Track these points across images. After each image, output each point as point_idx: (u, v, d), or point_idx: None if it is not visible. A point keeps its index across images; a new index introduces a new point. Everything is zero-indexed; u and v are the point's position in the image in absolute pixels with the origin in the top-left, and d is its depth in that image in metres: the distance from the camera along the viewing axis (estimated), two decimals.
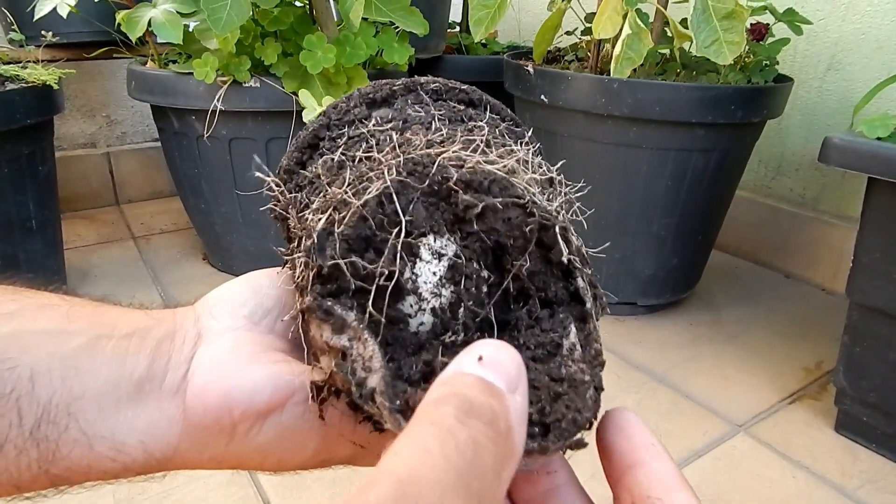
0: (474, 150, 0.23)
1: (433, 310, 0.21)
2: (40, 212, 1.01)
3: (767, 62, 1.03)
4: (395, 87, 0.29)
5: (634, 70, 0.92)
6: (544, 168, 0.27)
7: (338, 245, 0.20)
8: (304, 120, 0.81)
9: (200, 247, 1.33)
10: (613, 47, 0.91)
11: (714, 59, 0.83)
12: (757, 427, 0.85)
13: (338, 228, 0.20)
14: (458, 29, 1.65)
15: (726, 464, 0.78)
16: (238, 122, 1.04)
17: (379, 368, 0.18)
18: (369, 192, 0.20)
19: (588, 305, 0.22)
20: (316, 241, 0.20)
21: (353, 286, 0.20)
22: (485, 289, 0.22)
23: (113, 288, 1.17)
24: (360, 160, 0.24)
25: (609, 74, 0.91)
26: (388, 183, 0.20)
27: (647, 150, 0.94)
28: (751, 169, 1.36)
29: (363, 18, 0.97)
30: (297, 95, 1.00)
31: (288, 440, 0.24)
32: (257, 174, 0.29)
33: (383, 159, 0.23)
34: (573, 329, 0.22)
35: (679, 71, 1.02)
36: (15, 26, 1.06)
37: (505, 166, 0.22)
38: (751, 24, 0.98)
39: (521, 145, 0.27)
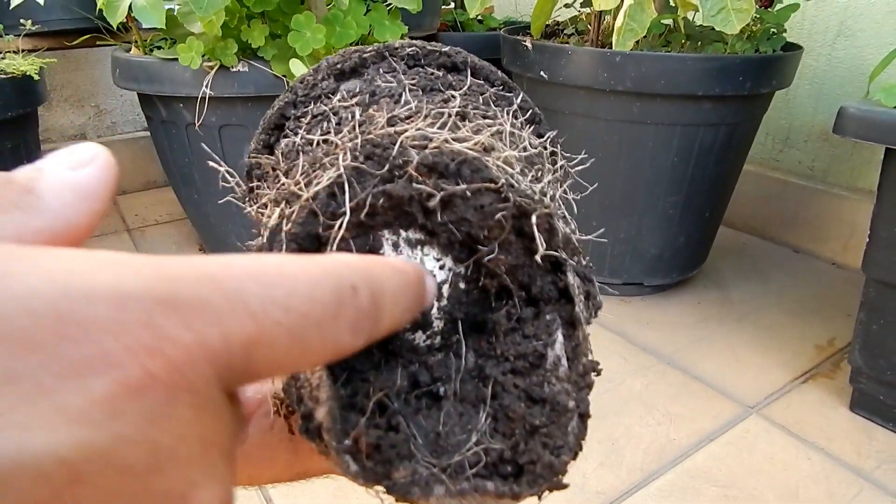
0: (443, 126, 0.19)
1: None
2: None
3: (775, 30, 0.99)
4: (365, 55, 0.26)
5: (637, 42, 0.89)
6: (534, 140, 0.24)
7: (284, 246, 0.17)
8: None
9: (196, 237, 1.30)
10: (615, 19, 0.87)
11: (721, 27, 0.79)
12: (769, 408, 0.83)
13: (286, 226, 0.17)
14: (452, 5, 1.60)
15: (739, 447, 0.76)
16: (228, 109, 1.00)
17: (326, 400, 0.16)
18: (320, 183, 0.18)
19: (577, 308, 0.19)
20: (265, 241, 0.18)
21: None
22: (462, 286, 0.19)
23: None
24: (318, 143, 0.21)
25: (610, 48, 0.87)
26: (342, 170, 0.18)
27: (651, 125, 0.91)
28: (758, 142, 1.32)
29: None
30: (288, 79, 0.96)
31: (255, 455, 0.22)
32: (210, 163, 0.26)
33: (340, 142, 0.20)
34: (559, 336, 0.18)
35: (684, 42, 0.98)
36: None
37: (478, 143, 0.19)
38: None
39: (507, 115, 0.24)
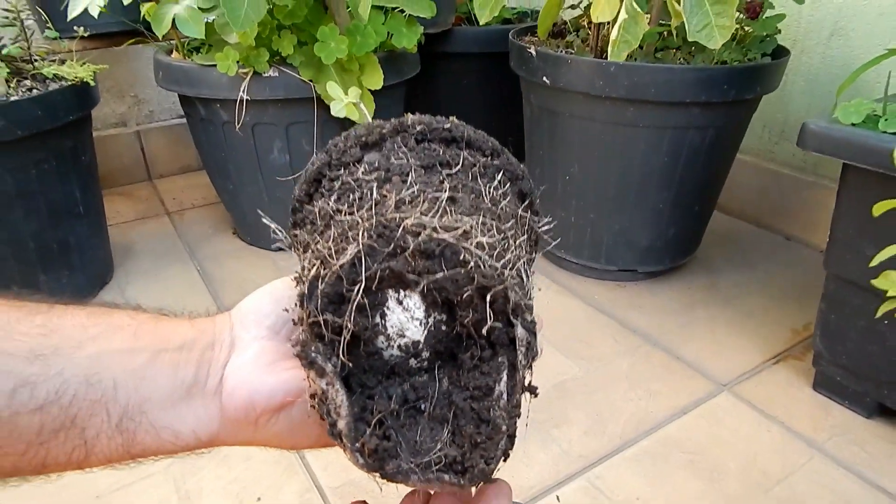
0: (436, 212, 0.26)
1: (400, 346, 0.27)
2: (85, 198, 1.11)
3: (767, 34, 1.06)
4: (384, 131, 0.33)
5: (640, 48, 0.97)
6: (511, 207, 0.31)
7: (319, 302, 0.25)
8: (333, 112, 0.87)
9: (230, 221, 1.42)
10: (610, 30, 0.95)
11: (705, 42, 0.86)
12: (740, 386, 0.93)
13: (320, 286, 0.25)
14: None
15: (708, 420, 0.87)
16: (259, 110, 1.11)
17: (345, 415, 0.24)
18: (345, 255, 0.25)
19: (519, 357, 0.25)
20: (306, 290, 0.26)
21: (330, 335, 0.25)
22: (443, 328, 0.28)
23: (154, 263, 1.28)
24: (345, 213, 0.28)
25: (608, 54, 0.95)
26: (360, 247, 0.25)
27: (644, 128, 0.99)
28: (754, 134, 1.39)
29: (373, 7, 1.02)
30: (314, 83, 1.06)
31: (297, 430, 0.32)
32: (265, 221, 0.35)
33: (360, 219, 0.26)
34: (505, 377, 0.26)
35: (677, 49, 1.05)
36: (49, 24, 1.13)
37: (458, 230, 0.25)
38: (746, 3, 1.01)
39: (489, 189, 0.31)
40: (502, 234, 0.28)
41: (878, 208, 0.40)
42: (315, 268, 0.26)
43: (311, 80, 1.07)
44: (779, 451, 0.82)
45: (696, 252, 1.25)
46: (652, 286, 1.19)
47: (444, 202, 0.27)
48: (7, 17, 1.00)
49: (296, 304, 0.27)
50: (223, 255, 1.32)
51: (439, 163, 0.31)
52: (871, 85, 1.14)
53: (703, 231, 1.21)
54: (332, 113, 0.87)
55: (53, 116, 0.98)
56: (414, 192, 0.28)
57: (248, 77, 1.06)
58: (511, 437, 0.26)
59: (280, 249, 0.36)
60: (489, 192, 0.30)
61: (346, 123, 1.12)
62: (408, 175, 0.29)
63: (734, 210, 1.46)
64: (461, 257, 0.25)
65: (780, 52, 1.07)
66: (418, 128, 0.32)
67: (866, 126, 0.73)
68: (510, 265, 0.26)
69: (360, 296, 0.25)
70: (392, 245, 0.25)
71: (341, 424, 0.25)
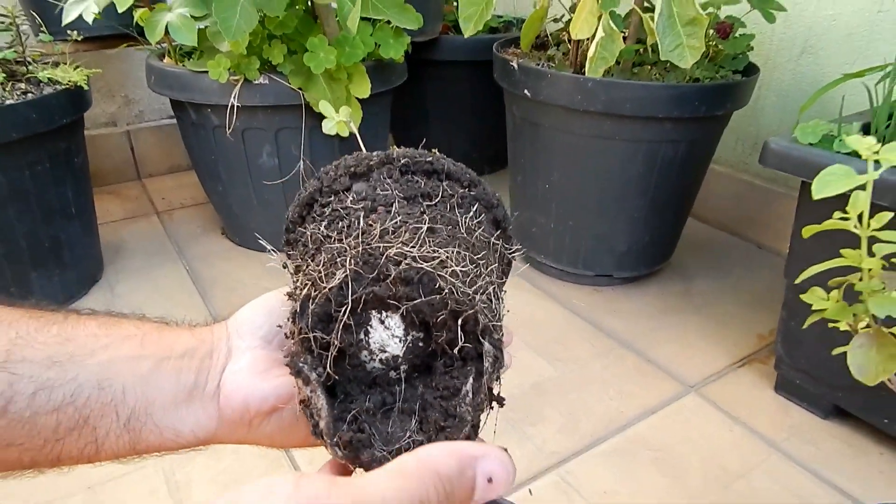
0: (416, 242, 0.29)
1: (381, 360, 0.31)
2: (77, 198, 1.14)
3: (740, 53, 1.11)
4: (371, 163, 0.35)
5: (617, 63, 1.01)
6: (485, 235, 0.34)
7: (310, 320, 0.28)
8: (324, 130, 0.91)
9: (218, 221, 1.45)
10: (588, 47, 0.99)
11: (677, 62, 0.91)
12: (706, 388, 0.98)
13: (311, 306, 0.28)
14: (456, 4, 1.70)
15: (674, 420, 0.91)
16: (250, 115, 1.14)
17: (325, 416, 0.28)
18: (334, 279, 0.28)
19: (485, 366, 0.28)
20: (298, 308, 0.29)
21: (318, 350, 0.29)
22: (420, 345, 0.31)
23: (144, 262, 1.31)
24: (335, 240, 0.31)
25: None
26: (348, 273, 0.28)
27: (620, 141, 1.04)
28: (728, 147, 1.44)
29: (362, 18, 1.05)
30: (303, 91, 1.10)
31: (287, 431, 0.35)
32: (261, 242, 0.38)
33: (347, 246, 0.29)
34: (471, 380, 0.29)
35: (653, 64, 1.10)
36: (44, 28, 1.16)
37: (436, 260, 0.28)
38: (717, 24, 1.06)
39: (465, 219, 0.33)
40: (475, 264, 0.31)
41: (807, 231, 0.45)
42: (306, 288, 0.29)
43: (300, 89, 1.10)
44: (739, 449, 0.86)
45: (670, 258, 1.30)
46: (627, 291, 1.23)
47: (423, 233, 0.30)
48: (3, 22, 1.02)
49: (288, 319, 0.31)
50: (212, 255, 1.35)
51: (421, 194, 0.34)
52: (837, 102, 1.20)
53: (677, 238, 1.26)
54: (324, 131, 0.91)
55: (48, 119, 1.00)
56: (397, 222, 0.31)
57: (239, 84, 1.09)
58: (475, 427, 0.29)
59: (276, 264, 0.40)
60: (465, 223, 0.33)
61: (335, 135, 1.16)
62: (392, 205, 0.33)
63: (709, 219, 1.51)
64: (437, 285, 0.28)
65: (752, 70, 1.12)
66: (403, 161, 0.35)
67: (822, 146, 0.78)
68: (481, 291, 0.29)
69: (346, 316, 0.28)
70: (376, 271, 0.28)
71: (322, 424, 0.28)
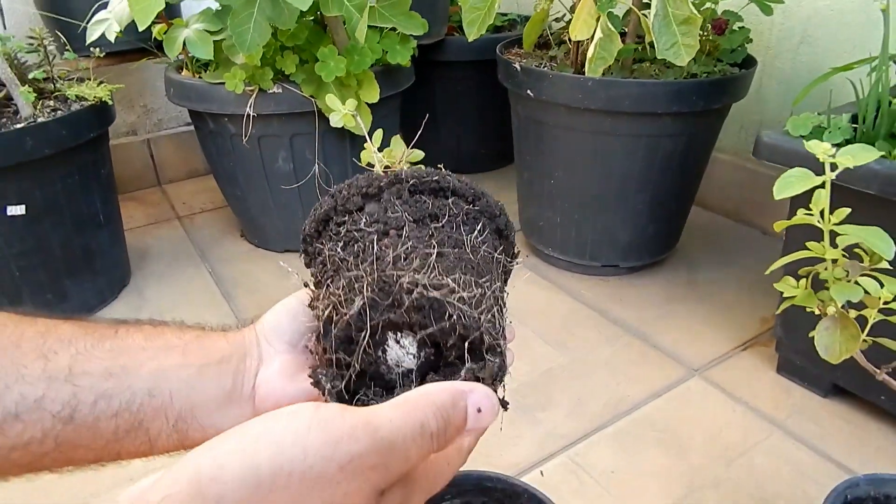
0: (427, 268, 0.32)
1: (396, 373, 0.34)
2: (105, 207, 1.20)
3: (739, 46, 1.14)
4: (382, 184, 0.38)
5: (617, 61, 1.05)
6: (488, 251, 0.38)
7: (333, 343, 0.31)
8: (331, 123, 0.96)
9: (237, 224, 1.51)
10: (588, 47, 1.03)
11: (672, 60, 0.95)
12: (710, 371, 1.02)
13: (333, 330, 0.31)
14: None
15: (679, 402, 0.96)
16: (265, 123, 1.19)
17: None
18: (353, 306, 0.31)
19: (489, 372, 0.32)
20: (322, 330, 0.32)
21: (342, 368, 0.32)
22: (431, 358, 0.33)
23: (169, 266, 1.37)
24: (351, 264, 0.34)
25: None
26: (365, 300, 0.31)
27: (621, 136, 1.08)
28: (732, 134, 1.47)
29: (369, 27, 1.10)
30: (315, 98, 1.15)
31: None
32: (282, 264, 0.43)
33: (364, 273, 0.32)
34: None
35: (652, 61, 1.13)
36: (68, 46, 1.21)
37: (446, 287, 0.31)
38: (712, 20, 1.09)
39: (471, 237, 0.36)
40: (480, 287, 0.33)
41: (778, 226, 0.49)
42: (328, 310, 0.33)
43: (312, 96, 1.15)
44: (742, 429, 0.91)
45: (675, 246, 1.33)
46: (633, 280, 1.27)
47: (433, 259, 0.33)
48: (32, 44, 1.08)
49: (310, 335, 0.35)
50: (233, 257, 1.41)
51: (429, 215, 0.37)
52: (836, 92, 1.22)
53: (681, 228, 1.30)
54: (331, 124, 0.96)
55: (77, 134, 1.06)
56: (408, 248, 0.34)
57: (255, 94, 1.14)
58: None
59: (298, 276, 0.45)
60: (470, 241, 0.36)
61: (345, 133, 1.21)
62: (402, 228, 0.35)
63: (714, 206, 1.54)
64: (446, 313, 0.31)
65: (750, 62, 1.15)
66: (411, 181, 0.38)
67: (813, 138, 0.81)
68: (486, 311, 0.32)
69: (365, 341, 0.32)
70: (391, 299, 0.31)
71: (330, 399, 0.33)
